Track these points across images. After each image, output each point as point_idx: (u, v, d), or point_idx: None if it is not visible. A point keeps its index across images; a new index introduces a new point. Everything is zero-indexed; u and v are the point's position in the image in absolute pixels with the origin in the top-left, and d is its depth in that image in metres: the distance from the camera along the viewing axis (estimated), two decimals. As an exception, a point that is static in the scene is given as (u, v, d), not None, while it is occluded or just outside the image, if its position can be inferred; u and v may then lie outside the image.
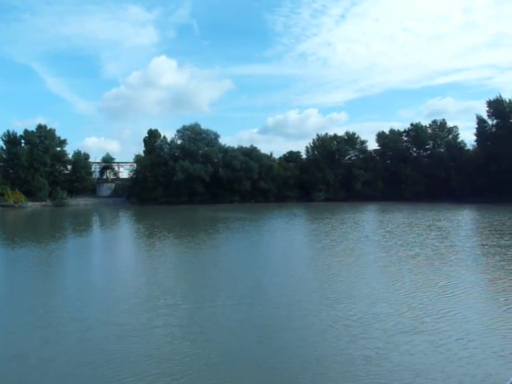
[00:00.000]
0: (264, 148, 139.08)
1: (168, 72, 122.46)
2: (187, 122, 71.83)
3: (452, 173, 67.71)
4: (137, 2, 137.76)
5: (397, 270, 16.91)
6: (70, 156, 70.75)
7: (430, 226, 31.52)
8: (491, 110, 65.24)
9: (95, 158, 75.65)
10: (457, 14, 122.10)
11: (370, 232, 28.71)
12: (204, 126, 72.11)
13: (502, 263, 17.65)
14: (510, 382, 3.61)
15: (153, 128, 74.81)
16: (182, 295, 13.76)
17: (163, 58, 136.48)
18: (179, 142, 70.32)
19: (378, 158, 74.07)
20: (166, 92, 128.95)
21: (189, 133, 69.94)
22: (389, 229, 29.99)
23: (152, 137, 73.82)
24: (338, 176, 70.28)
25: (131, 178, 69.91)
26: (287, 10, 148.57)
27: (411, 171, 69.40)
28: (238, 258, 20.68)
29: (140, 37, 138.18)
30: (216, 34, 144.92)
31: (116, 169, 77.57)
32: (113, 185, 72.39)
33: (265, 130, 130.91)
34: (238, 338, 10.19)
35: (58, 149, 69.64)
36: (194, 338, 10.12)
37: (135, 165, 69.94)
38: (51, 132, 69.26)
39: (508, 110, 63.52)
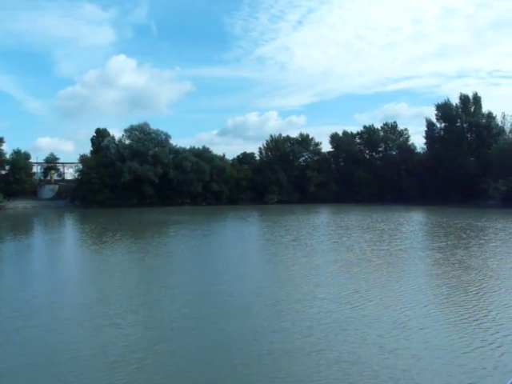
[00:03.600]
0: (223, 150, 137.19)
1: (127, 72, 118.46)
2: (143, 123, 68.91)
3: (403, 175, 68.49)
4: (92, 0, 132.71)
5: (308, 278, 15.68)
6: (8, 156, 66.19)
7: (368, 228, 30.87)
8: (440, 114, 66.52)
9: (37, 157, 71.38)
10: (406, 24, 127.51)
11: (306, 235, 27.57)
12: (163, 127, 70.02)
13: (423, 267, 16.83)
14: (510, 382, 3.50)
15: (104, 128, 71.72)
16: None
17: (122, 57, 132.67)
18: (127, 142, 67.35)
19: (331, 159, 73.96)
20: (123, 92, 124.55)
21: (137, 133, 67.09)
22: (326, 232, 29.06)
23: (100, 136, 70.34)
24: (291, 178, 69.44)
25: (76, 179, 66.24)
26: (246, 14, 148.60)
27: (364, 173, 69.64)
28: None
29: (96, 35, 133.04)
30: (174, 36, 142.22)
31: (61, 170, 73.43)
32: (56, 186, 68.31)
33: (224, 132, 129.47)
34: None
35: (-6, 148, 65.09)
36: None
37: (80, 165, 66.33)
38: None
39: (455, 113, 64.88)
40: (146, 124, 68.28)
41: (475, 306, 12.04)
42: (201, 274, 16.44)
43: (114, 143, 66.45)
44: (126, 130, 68.29)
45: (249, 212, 51.78)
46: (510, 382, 3.51)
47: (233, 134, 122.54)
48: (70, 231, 35.55)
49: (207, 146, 71.43)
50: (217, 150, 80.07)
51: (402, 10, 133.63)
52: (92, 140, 70.84)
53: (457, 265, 17.43)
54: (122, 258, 20.79)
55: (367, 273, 16.05)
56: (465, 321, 10.85)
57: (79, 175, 65.36)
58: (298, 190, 69.28)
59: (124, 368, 8.43)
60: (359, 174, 69.58)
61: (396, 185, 67.17)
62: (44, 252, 23.86)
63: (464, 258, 18.84)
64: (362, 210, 49.28)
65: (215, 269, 17.55)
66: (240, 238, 27.80)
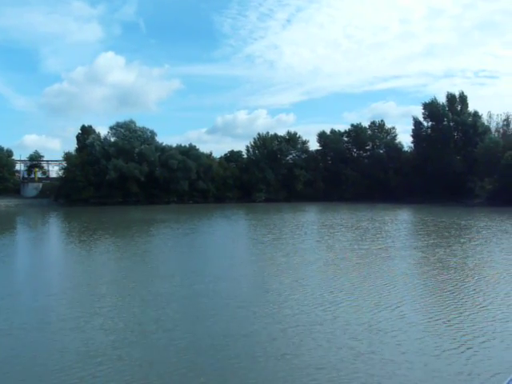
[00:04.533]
0: (213, 148, 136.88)
1: (115, 69, 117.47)
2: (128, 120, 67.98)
3: (390, 173, 68.57)
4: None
5: (284, 278, 15.33)
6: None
7: (352, 226, 30.65)
8: (426, 113, 66.68)
9: (20, 155, 70.16)
10: (394, 24, 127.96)
11: (288, 234, 27.21)
12: (151, 124, 69.18)
13: (402, 266, 16.57)
14: (509, 379, 3.39)
15: (90, 125, 70.70)
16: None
17: (111, 54, 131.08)
18: (113, 139, 66.43)
19: (319, 158, 73.79)
20: (112, 89, 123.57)
21: (123, 130, 66.18)
22: (309, 231, 28.77)
23: (85, 133, 69.37)
24: (278, 176, 69.16)
25: (60, 177, 65.17)
26: (235, 12, 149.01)
27: (351, 171, 69.63)
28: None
29: (83, 32, 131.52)
30: (163, 33, 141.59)
31: (46, 167, 72.20)
32: (40, 185, 67.18)
33: (213, 130, 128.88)
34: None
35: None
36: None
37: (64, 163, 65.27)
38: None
39: (442, 112, 65.06)
40: (131, 121, 67.52)
41: (449, 306, 11.79)
42: (174, 275, 15.98)
43: (100, 141, 65.52)
44: (111, 128, 67.53)
45: (235, 211, 51.37)
46: (509, 379, 3.39)
47: (222, 132, 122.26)
48: (48, 230, 34.81)
49: (196, 144, 71.16)
50: (206, 148, 79.93)
51: (390, 10, 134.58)
52: (77, 137, 69.83)
53: (436, 264, 17.22)
54: (97, 257, 20.26)
55: (344, 273, 15.74)
56: (438, 322, 10.58)
57: (63, 173, 64.34)
58: (285, 189, 69.04)
59: (78, 374, 7.99)
60: (347, 172, 69.54)
61: (384, 183, 67.22)
62: (14, 252, 23.13)
63: (444, 257, 18.65)
64: (349, 209, 49.15)
65: (190, 269, 17.10)
66: (221, 237, 27.36)
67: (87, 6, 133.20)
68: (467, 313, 11.19)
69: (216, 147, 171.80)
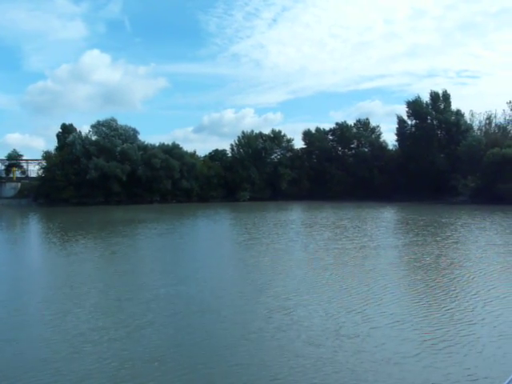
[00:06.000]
0: (199, 147, 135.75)
1: (100, 67, 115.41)
2: (120, 119, 67.12)
3: (375, 172, 68.41)
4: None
5: (249, 280, 14.71)
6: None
7: (332, 225, 30.17)
8: (410, 111, 66.63)
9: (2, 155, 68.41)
10: (379, 24, 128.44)
11: (265, 234, 26.57)
12: (137, 123, 68.02)
13: (373, 266, 16.05)
14: (509, 379, 3.19)
15: (71, 123, 69.20)
16: None
17: (96, 52, 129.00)
18: (94, 138, 65.14)
19: (304, 156, 73.36)
20: (97, 88, 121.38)
21: (104, 128, 64.88)
22: (287, 230, 28.20)
23: (66, 132, 67.90)
24: (263, 175, 68.55)
25: (39, 176, 63.70)
26: (220, 11, 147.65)
27: (336, 170, 69.35)
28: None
29: (67, 30, 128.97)
30: (148, 32, 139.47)
31: (25, 167, 70.53)
32: (18, 184, 65.54)
33: (200, 129, 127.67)
34: None
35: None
36: None
37: (44, 162, 63.82)
38: None
39: (425, 110, 65.08)
40: (113, 119, 66.27)
41: (416, 309, 11.27)
42: (137, 278, 15.26)
43: (80, 139, 64.13)
44: (92, 126, 66.15)
45: (217, 210, 50.67)
46: (509, 379, 3.24)
47: (208, 131, 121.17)
48: (19, 231, 33.66)
49: (182, 143, 70.42)
50: (192, 148, 78.93)
51: (375, 10, 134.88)
52: (58, 136, 68.37)
53: (409, 264, 16.80)
54: (61, 259, 19.41)
55: (314, 274, 15.18)
56: (404, 326, 10.05)
57: (43, 172, 62.91)
58: (270, 187, 68.48)
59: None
60: (332, 170, 69.23)
61: (368, 182, 67.04)
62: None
63: (418, 256, 18.20)
64: (333, 207, 48.77)
65: (153, 271, 16.39)
66: (196, 237, 26.66)
67: (71, 4, 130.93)
68: (433, 316, 10.69)
69: (202, 146, 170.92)
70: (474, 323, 10.07)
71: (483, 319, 10.24)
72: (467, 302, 11.71)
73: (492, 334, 9.29)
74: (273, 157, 72.43)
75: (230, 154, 72.67)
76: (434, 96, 65.00)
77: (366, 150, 71.94)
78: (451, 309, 11.14)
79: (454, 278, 14.30)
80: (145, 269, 16.87)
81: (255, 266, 16.70)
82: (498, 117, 65.62)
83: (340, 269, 15.82)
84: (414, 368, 7.97)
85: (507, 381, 3.34)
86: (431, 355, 8.50)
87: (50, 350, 8.94)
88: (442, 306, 11.41)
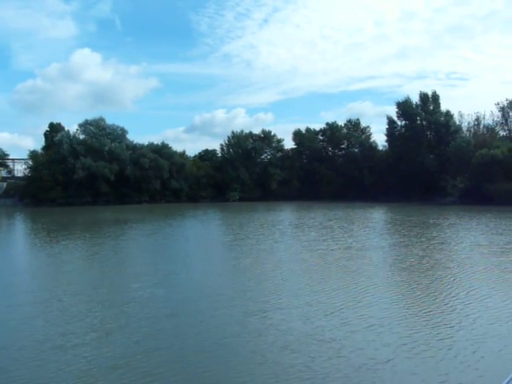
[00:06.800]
0: (190, 147, 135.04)
1: (91, 66, 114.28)
2: (110, 119, 66.49)
3: (365, 172, 68.46)
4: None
5: (226, 283, 14.39)
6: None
7: (318, 225, 29.94)
8: (400, 112, 66.79)
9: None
10: (369, 26, 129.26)
11: (250, 234, 26.22)
12: (128, 123, 67.29)
13: (354, 267, 15.81)
14: (508, 379, 3.19)
15: (59, 122, 68.48)
16: None
17: (87, 51, 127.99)
18: (82, 137, 64.38)
19: (294, 157, 73.16)
20: (87, 87, 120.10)
21: (92, 128, 64.17)
22: (273, 231, 27.87)
23: (54, 131, 67.18)
24: (253, 175, 68.25)
25: (26, 176, 62.81)
26: (212, 11, 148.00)
27: (326, 170, 69.25)
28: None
29: (57, 28, 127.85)
30: (139, 31, 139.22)
31: (11, 166, 69.55)
32: (4, 184, 64.53)
33: (191, 129, 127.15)
34: None
35: None
36: None
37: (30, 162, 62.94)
38: None
39: (415, 111, 65.25)
40: (101, 119, 65.62)
41: (394, 312, 11.02)
42: (112, 280, 14.87)
43: (68, 138, 63.33)
44: (80, 125, 65.46)
45: (206, 210, 50.26)
46: (508, 379, 3.24)
47: (200, 131, 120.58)
48: (0, 232, 33.01)
49: (174, 143, 70.19)
50: (183, 148, 78.28)
51: (365, 12, 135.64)
52: (45, 135, 67.58)
53: (393, 265, 16.62)
54: (38, 261, 18.99)
55: (294, 276, 14.91)
56: (382, 329, 9.80)
57: (29, 172, 62.05)
58: (260, 188, 68.21)
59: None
60: (322, 171, 69.11)
61: (358, 182, 67.06)
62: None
63: (402, 257, 18.04)
64: (322, 208, 48.59)
65: (131, 273, 15.98)
66: (180, 238, 26.24)
67: (60, 2, 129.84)
68: (411, 319, 10.47)
69: (194, 146, 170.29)
70: (452, 326, 9.86)
71: (460, 322, 10.04)
72: (446, 304, 11.51)
73: (468, 338, 9.08)
74: (263, 157, 72.22)
75: (220, 154, 72.27)
76: (424, 97, 65.22)
77: (356, 150, 72.00)
78: (430, 311, 10.92)
79: (436, 280, 14.11)
80: (122, 271, 16.46)
81: (236, 267, 16.40)
82: (486, 118, 66.23)
83: (321, 271, 15.56)
84: (386, 374, 7.73)
85: (507, 380, 3.27)
86: (406, 360, 8.27)
87: (8, 358, 8.53)
88: (421, 308, 11.18)
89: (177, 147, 69.47)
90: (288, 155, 73.03)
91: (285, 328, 10.11)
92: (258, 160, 70.95)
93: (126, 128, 68.13)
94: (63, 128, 67.55)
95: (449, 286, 13.32)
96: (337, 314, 10.96)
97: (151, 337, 9.61)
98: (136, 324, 10.42)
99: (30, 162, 62.73)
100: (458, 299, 11.86)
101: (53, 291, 13.39)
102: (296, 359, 8.48)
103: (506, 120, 63.80)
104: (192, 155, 72.49)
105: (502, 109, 63.50)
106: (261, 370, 8.13)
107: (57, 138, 63.05)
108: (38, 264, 18.23)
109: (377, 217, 39.17)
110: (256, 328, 10.14)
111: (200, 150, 74.99)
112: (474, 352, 8.33)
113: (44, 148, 64.93)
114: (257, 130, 74.60)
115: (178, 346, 9.16)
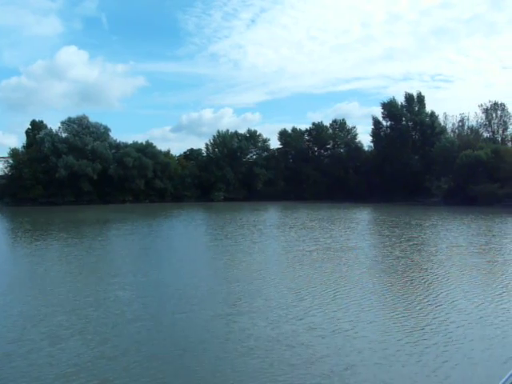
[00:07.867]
0: (177, 146, 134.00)
1: (77, 64, 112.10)
2: (96, 117, 65.28)
3: (351, 172, 68.44)
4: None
5: (198, 284, 13.94)
6: None
7: (300, 226, 29.65)
8: (386, 112, 66.87)
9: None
10: (356, 27, 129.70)
11: (228, 235, 25.76)
12: (114, 122, 66.14)
13: (330, 269, 15.49)
14: (507, 376, 3.13)
15: (41, 120, 67.12)
16: None
17: (73, 48, 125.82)
18: (64, 135, 63.18)
19: (280, 157, 72.79)
20: (73, 85, 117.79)
21: (75, 126, 63.00)
22: (252, 231, 27.46)
23: (36, 129, 65.82)
24: (238, 175, 67.70)
25: (6, 175, 61.42)
26: (199, 10, 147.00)
27: (312, 170, 68.99)
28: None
29: (42, 26, 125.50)
30: (126, 30, 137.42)
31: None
32: (-17, 183, 63.08)
33: (178, 128, 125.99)
34: None
35: None
36: None
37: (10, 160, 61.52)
38: None
39: (400, 112, 65.43)
40: (84, 117, 64.40)
41: (363, 315, 10.70)
42: (78, 282, 14.30)
43: (50, 136, 62.07)
44: (62, 123, 64.13)
45: (189, 210, 49.67)
46: (507, 376, 3.19)
47: (187, 131, 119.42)
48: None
49: (160, 142, 69.40)
50: (170, 147, 77.35)
51: (352, 14, 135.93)
52: (27, 133, 66.21)
53: (369, 268, 16.28)
54: (6, 263, 18.27)
55: (266, 278, 14.51)
56: (348, 333, 9.47)
57: (9, 171, 60.69)
58: (245, 188, 67.70)
59: None
60: (308, 171, 68.84)
61: (344, 182, 66.93)
62: None
63: (378, 258, 17.82)
64: (306, 208, 48.35)
65: (100, 274, 15.43)
66: (158, 238, 25.64)
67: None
68: (380, 322, 10.16)
69: (180, 145, 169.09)
70: (421, 328, 9.58)
71: (429, 325, 9.76)
72: (418, 307, 11.22)
73: (439, 342, 8.78)
74: (248, 157, 71.70)
75: (205, 154, 71.58)
76: (409, 98, 65.43)
77: (342, 150, 71.93)
78: (402, 315, 10.62)
79: (410, 282, 13.84)
80: (91, 273, 15.87)
81: (209, 268, 15.96)
82: (470, 119, 66.64)
83: (295, 272, 15.21)
84: (353, 381, 7.38)
85: (505, 378, 3.22)
86: (371, 366, 7.94)
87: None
88: (392, 311, 10.89)
89: (163, 146, 68.96)
90: (274, 155, 72.65)
91: (251, 332, 9.73)
92: (244, 160, 70.44)
93: (111, 127, 67.52)
94: (45, 126, 66.24)
95: (424, 288, 13.07)
96: (306, 317, 10.61)
97: (109, 342, 9.14)
98: (95, 329, 9.94)
99: (11, 161, 61.33)
100: (430, 302, 11.58)
101: (13, 294, 12.82)
102: (259, 365, 8.13)
103: (490, 122, 64.32)
104: (178, 155, 71.72)
105: (486, 110, 64.00)
106: (222, 376, 7.77)
107: (39, 136, 61.77)
108: (4, 267, 17.51)
109: (360, 217, 39.03)
110: (222, 332, 9.75)
111: (185, 149, 74.27)
112: (445, 362, 7.98)
113: (25, 146, 63.56)
114: (244, 130, 74.17)
115: (136, 351, 8.71)
